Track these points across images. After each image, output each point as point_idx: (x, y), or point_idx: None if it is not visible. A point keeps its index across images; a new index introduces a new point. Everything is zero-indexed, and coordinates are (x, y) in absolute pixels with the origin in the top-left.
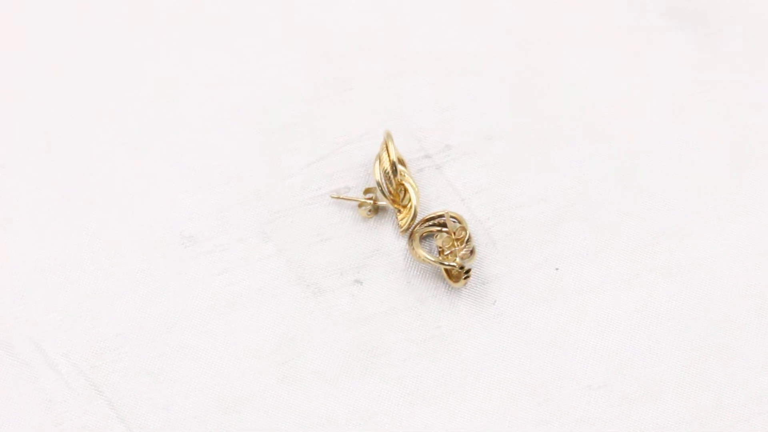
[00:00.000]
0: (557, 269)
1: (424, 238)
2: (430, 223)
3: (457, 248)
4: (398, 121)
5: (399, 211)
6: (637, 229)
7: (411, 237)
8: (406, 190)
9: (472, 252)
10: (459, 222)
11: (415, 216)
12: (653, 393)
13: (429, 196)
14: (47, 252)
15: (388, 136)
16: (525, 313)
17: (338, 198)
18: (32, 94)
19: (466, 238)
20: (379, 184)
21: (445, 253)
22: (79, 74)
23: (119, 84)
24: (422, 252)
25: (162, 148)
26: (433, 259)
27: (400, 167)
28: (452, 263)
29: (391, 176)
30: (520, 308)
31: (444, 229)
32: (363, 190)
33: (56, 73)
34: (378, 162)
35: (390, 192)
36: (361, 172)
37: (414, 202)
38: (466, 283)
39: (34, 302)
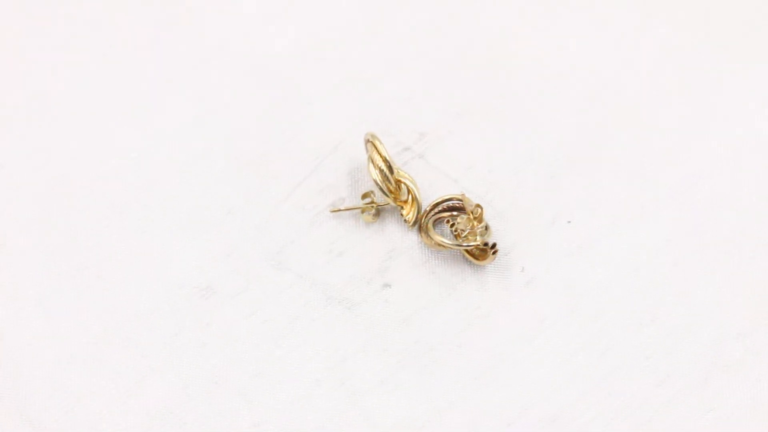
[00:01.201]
0: (569, 222)
1: (434, 225)
2: (437, 210)
3: (475, 228)
4: (367, 122)
5: (401, 207)
6: (628, 166)
7: (423, 228)
8: (402, 185)
9: (486, 228)
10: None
11: (419, 208)
12: (700, 313)
13: (422, 185)
14: (74, 339)
15: (373, 137)
16: (555, 272)
17: (338, 210)
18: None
19: (483, 216)
20: (377, 184)
21: (464, 234)
22: (48, 141)
23: (88, 151)
24: (440, 239)
25: (146, 206)
26: (452, 244)
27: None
28: (474, 243)
29: (388, 174)
30: (549, 269)
31: (455, 213)
32: (360, 195)
33: (25, 138)
34: (371, 164)
35: (390, 190)
36: (350, 180)
37: (416, 194)
38: (494, 259)
39: (80, 390)
